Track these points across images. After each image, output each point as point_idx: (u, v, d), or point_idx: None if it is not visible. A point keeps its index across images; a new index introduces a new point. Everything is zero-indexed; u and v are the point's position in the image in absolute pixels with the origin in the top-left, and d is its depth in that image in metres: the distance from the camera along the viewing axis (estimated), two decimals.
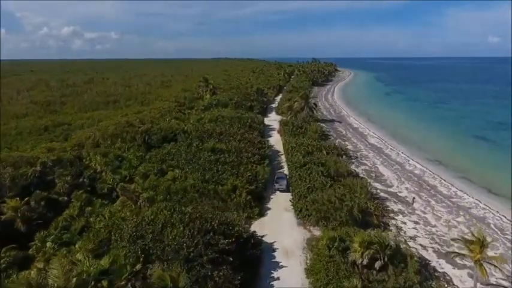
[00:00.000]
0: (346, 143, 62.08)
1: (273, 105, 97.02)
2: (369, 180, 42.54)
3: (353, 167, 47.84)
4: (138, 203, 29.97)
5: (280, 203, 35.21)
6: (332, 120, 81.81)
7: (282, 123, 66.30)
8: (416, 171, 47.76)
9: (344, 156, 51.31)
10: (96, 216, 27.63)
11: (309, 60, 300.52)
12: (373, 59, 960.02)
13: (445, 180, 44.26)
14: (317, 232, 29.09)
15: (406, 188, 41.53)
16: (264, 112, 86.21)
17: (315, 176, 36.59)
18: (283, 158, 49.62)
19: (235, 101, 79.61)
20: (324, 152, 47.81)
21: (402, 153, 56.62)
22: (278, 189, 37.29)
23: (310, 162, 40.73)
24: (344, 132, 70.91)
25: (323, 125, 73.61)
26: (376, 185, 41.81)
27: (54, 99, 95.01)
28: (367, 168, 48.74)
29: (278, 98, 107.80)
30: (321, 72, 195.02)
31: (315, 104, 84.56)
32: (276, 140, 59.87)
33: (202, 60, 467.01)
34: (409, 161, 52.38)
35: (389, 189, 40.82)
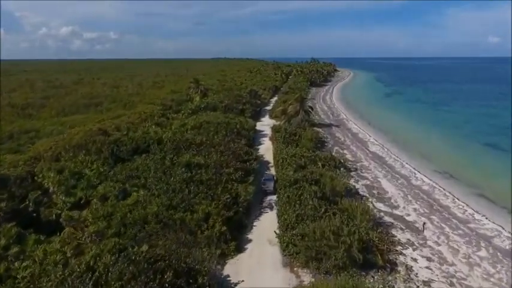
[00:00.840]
0: (345, 151, 56.11)
1: (268, 108, 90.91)
2: (370, 200, 36.79)
3: (352, 181, 42.10)
4: (84, 239, 23.97)
5: (264, 231, 29.13)
6: (330, 125, 75.81)
7: (274, 130, 60.26)
8: (424, 187, 41.78)
9: (342, 169, 45.48)
10: (23, 260, 21.51)
11: (308, 60, 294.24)
12: (373, 59, 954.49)
13: (458, 199, 38.22)
14: (306, 277, 23.06)
15: (414, 209, 35.52)
16: (257, 116, 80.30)
17: (306, 198, 30.51)
18: (273, 170, 43.68)
19: (225, 104, 73.57)
20: (319, 164, 41.90)
21: (407, 163, 50.63)
22: (266, 191, 36.16)
23: (302, 179, 34.63)
24: (342, 138, 64.90)
25: (320, 130, 67.72)
26: (379, 205, 35.88)
27: (34, 102, 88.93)
28: (368, 183, 42.78)
29: (274, 100, 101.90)
30: (320, 73, 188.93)
31: (311, 107, 78.56)
32: (266, 148, 53.92)
33: (202, 60, 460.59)
34: (415, 173, 46.34)
35: (394, 212, 34.80)
